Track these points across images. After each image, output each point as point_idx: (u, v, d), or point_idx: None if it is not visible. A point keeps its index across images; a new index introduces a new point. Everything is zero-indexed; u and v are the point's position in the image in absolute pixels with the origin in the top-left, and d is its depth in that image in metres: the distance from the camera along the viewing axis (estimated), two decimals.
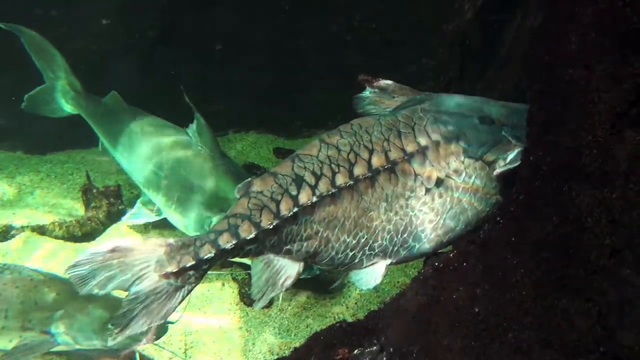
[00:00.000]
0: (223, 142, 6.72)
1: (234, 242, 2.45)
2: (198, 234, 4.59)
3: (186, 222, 4.70)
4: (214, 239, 2.45)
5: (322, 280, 4.60)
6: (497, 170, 2.72)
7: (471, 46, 4.47)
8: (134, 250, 2.35)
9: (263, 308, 4.56)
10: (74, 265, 2.29)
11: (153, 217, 5.03)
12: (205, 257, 2.41)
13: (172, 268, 2.36)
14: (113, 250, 2.31)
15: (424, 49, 5.96)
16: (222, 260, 2.55)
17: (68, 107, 5.54)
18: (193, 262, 2.38)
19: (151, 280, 2.36)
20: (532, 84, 2.76)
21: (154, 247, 2.38)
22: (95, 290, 2.30)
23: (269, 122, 6.81)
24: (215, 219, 4.45)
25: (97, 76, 5.79)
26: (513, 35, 4.21)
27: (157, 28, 6.30)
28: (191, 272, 2.41)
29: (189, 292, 2.46)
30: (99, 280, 2.29)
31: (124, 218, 5.17)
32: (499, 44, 4.38)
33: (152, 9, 6.22)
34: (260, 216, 2.50)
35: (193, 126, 4.76)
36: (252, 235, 2.47)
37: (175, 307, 2.43)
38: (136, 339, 3.56)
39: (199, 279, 2.48)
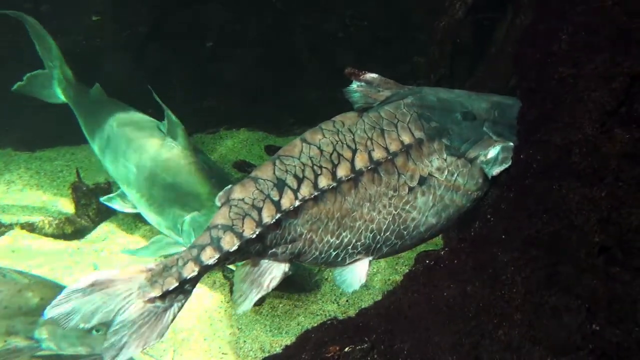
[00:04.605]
0: (214, 139, 6.71)
1: (217, 256, 2.41)
2: (170, 231, 4.58)
3: (159, 219, 4.67)
4: (197, 255, 2.41)
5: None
6: (495, 171, 2.72)
7: (462, 44, 4.48)
8: (115, 281, 2.31)
9: (254, 306, 4.54)
10: (54, 305, 2.25)
11: (127, 209, 5.01)
12: (189, 276, 2.37)
13: (156, 293, 2.33)
14: (92, 285, 2.27)
15: (416, 47, 5.97)
16: (207, 273, 2.52)
17: (61, 96, 5.53)
18: (176, 284, 2.35)
19: (136, 307, 2.32)
20: (522, 82, 2.77)
21: (135, 274, 2.35)
22: (81, 325, 2.25)
23: (261, 119, 6.80)
24: (188, 218, 4.43)
25: (87, 72, 5.75)
26: (503, 34, 4.23)
27: (148, 24, 6.27)
28: (177, 291, 2.39)
29: (180, 308, 2.44)
30: (83, 315, 2.25)
31: (101, 199, 5.12)
32: (490, 42, 4.40)
33: (143, 5, 6.18)
34: (243, 225, 2.46)
35: (165, 123, 4.71)
36: (235, 247, 2.43)
37: (169, 324, 2.40)
38: None
39: (188, 294, 2.45)
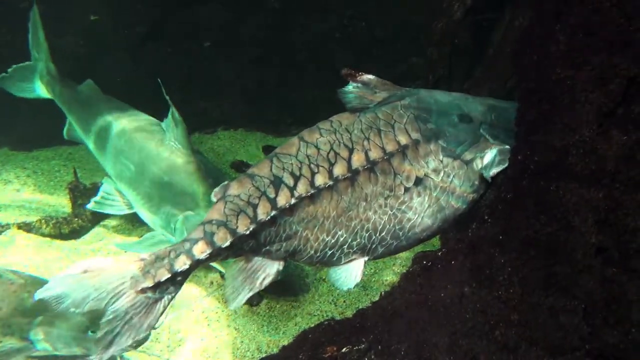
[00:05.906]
0: (212, 139, 6.71)
1: (209, 251, 2.42)
2: (164, 230, 4.58)
3: (154, 218, 4.66)
4: (189, 248, 2.42)
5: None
6: (492, 173, 2.73)
7: (460, 45, 4.49)
8: (107, 270, 2.32)
9: (252, 306, 4.55)
10: (45, 289, 2.25)
11: (124, 210, 4.98)
12: (181, 269, 2.39)
13: (148, 283, 2.34)
14: (85, 271, 2.28)
15: (414, 48, 5.98)
16: (198, 267, 2.53)
17: (42, 90, 5.47)
18: (169, 275, 2.36)
19: (128, 297, 2.33)
20: (520, 84, 2.78)
21: (128, 263, 2.36)
22: (72, 309, 2.24)
23: (258, 119, 6.79)
24: (181, 217, 4.42)
25: (85, 72, 5.74)
26: (502, 35, 4.23)
27: (147, 24, 6.26)
28: (169, 283, 2.40)
29: (170, 300, 2.44)
30: (74, 299, 2.24)
31: (88, 205, 5.05)
32: (488, 43, 4.41)
33: (142, 5, 6.18)
34: (237, 222, 2.47)
35: (168, 120, 4.68)
36: (227, 244, 2.45)
37: (158, 317, 2.41)
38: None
39: (179, 286, 2.46)
